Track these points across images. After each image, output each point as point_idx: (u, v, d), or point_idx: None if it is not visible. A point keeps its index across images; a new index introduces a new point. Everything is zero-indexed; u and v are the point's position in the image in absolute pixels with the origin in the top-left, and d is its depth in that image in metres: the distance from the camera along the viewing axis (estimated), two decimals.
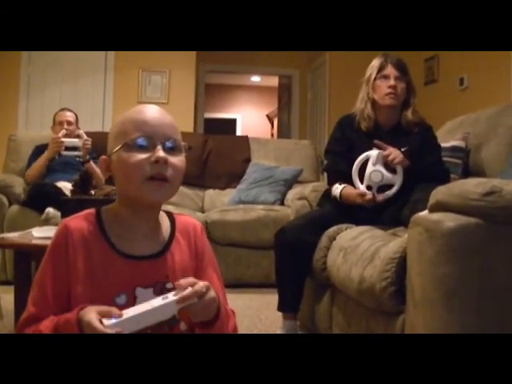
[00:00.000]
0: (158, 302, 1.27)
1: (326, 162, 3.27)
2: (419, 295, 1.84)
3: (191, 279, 1.32)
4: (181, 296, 1.26)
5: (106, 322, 1.20)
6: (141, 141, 1.36)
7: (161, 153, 1.35)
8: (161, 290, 1.40)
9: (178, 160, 1.39)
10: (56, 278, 1.37)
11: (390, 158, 2.80)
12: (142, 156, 1.35)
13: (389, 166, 2.83)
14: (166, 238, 1.48)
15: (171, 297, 1.27)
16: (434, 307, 1.77)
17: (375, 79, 3.04)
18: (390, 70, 2.99)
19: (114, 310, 1.24)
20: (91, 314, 1.22)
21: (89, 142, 4.74)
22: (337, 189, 3.04)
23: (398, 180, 2.83)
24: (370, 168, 2.85)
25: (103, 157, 1.44)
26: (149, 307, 1.26)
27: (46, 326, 1.30)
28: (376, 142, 2.84)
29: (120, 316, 1.22)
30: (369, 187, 2.84)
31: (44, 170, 4.90)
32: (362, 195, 2.85)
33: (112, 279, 1.37)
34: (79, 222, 1.42)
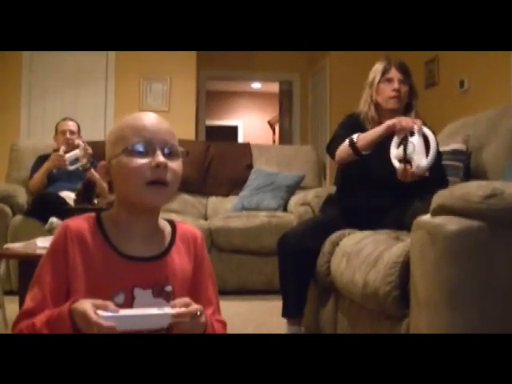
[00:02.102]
0: (154, 310, 1.29)
1: (331, 143, 3.22)
2: (423, 298, 1.85)
3: (187, 299, 1.34)
4: (177, 312, 1.28)
5: (102, 313, 1.22)
6: (141, 146, 1.40)
7: (161, 158, 1.39)
8: (159, 292, 1.42)
9: (176, 165, 1.43)
10: (54, 274, 1.39)
11: (408, 172, 2.75)
12: (143, 161, 1.39)
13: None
14: (166, 243, 1.50)
15: (167, 310, 1.29)
16: (438, 309, 1.77)
17: (379, 82, 3.05)
18: (394, 73, 3.01)
19: (111, 304, 1.26)
20: (86, 305, 1.23)
21: (88, 148, 4.77)
22: (352, 138, 3.00)
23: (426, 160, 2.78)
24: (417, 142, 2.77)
25: (102, 162, 1.48)
26: (144, 312, 1.28)
27: (39, 319, 1.32)
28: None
29: (116, 311, 1.24)
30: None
31: (45, 180, 4.93)
32: (410, 123, 2.80)
33: (111, 278, 1.39)
34: (79, 222, 1.45)
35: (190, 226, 1.61)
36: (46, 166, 4.90)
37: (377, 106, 3.09)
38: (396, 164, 2.79)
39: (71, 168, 4.85)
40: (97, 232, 1.44)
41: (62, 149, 4.87)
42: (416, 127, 2.79)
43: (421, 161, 2.74)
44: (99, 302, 1.26)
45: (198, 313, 1.32)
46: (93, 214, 1.49)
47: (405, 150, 2.77)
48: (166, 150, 1.41)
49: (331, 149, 3.17)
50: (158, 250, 1.48)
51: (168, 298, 1.40)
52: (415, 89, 3.09)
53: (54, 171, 4.92)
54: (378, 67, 3.07)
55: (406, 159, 2.77)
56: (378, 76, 3.05)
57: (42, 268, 1.41)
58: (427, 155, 2.75)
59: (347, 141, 3.02)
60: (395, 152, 2.83)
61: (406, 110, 3.07)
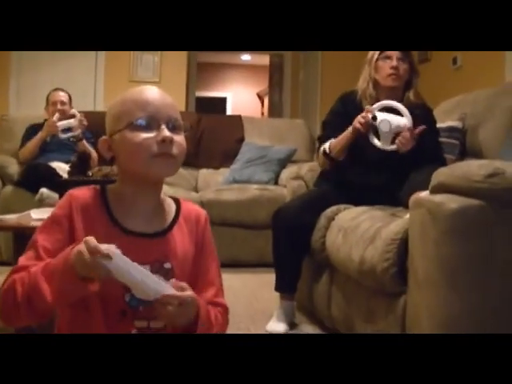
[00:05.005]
0: (151, 274, 1.27)
1: (321, 132, 3.27)
2: (422, 275, 1.86)
3: (183, 284, 1.32)
4: (169, 294, 1.26)
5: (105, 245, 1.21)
6: (145, 121, 1.38)
7: (166, 132, 1.37)
8: (158, 269, 1.40)
9: (180, 138, 1.42)
10: (53, 240, 1.36)
11: (400, 139, 2.79)
12: (148, 135, 1.37)
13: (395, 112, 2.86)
14: (168, 221, 1.49)
15: (164, 284, 1.28)
16: (437, 287, 1.79)
17: (377, 60, 3.02)
18: (393, 51, 2.97)
19: (114, 246, 1.23)
20: (91, 238, 1.22)
21: (84, 120, 4.74)
22: (326, 144, 3.08)
23: (386, 146, 2.87)
24: (392, 118, 2.83)
25: (104, 137, 1.45)
26: (143, 269, 1.26)
27: (34, 268, 1.27)
28: (421, 128, 2.80)
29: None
30: (374, 118, 2.85)
31: (37, 151, 4.89)
32: (368, 110, 2.86)
33: None
34: (84, 192, 1.44)
35: (194, 205, 1.59)
36: (40, 135, 4.87)
37: (375, 83, 3.06)
38: (393, 147, 2.82)
39: (63, 136, 4.82)
40: (100, 205, 1.42)
41: (56, 116, 4.84)
42: (369, 114, 2.85)
43: (400, 122, 2.82)
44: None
45: (189, 299, 1.30)
46: (97, 187, 1.47)
47: (381, 133, 2.85)
48: (170, 125, 1.40)
49: (318, 144, 3.25)
50: (160, 227, 1.46)
51: (167, 275, 1.37)
52: (415, 66, 3.07)
53: (48, 139, 4.89)
54: None
55: (393, 137, 2.83)
56: (377, 53, 3.02)
57: (41, 233, 1.38)
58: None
59: (321, 150, 3.10)
60: (381, 143, 2.87)
61: (406, 87, 3.05)
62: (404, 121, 2.80)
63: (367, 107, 2.88)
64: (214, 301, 1.50)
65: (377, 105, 2.89)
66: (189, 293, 1.32)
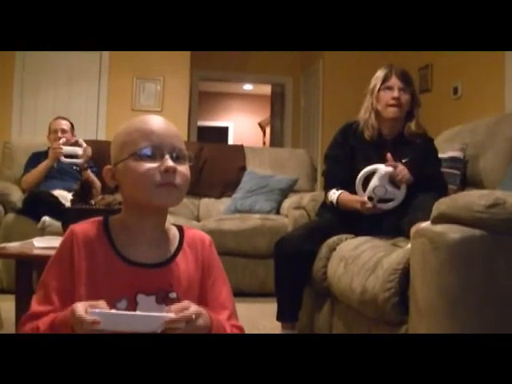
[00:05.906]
0: (145, 312, 1.27)
1: (324, 166, 3.27)
2: (423, 304, 1.86)
3: (184, 304, 1.31)
4: (169, 319, 1.25)
5: (91, 310, 1.22)
6: (149, 150, 1.38)
7: (170, 162, 1.37)
8: (163, 299, 1.40)
9: (184, 168, 1.42)
10: (60, 278, 1.39)
11: (398, 178, 2.81)
12: (151, 165, 1.37)
13: (394, 181, 2.84)
14: (173, 249, 1.49)
15: (161, 314, 1.27)
16: (438, 315, 1.79)
17: (379, 90, 3.03)
18: (395, 81, 2.99)
19: (103, 303, 1.25)
20: (78, 303, 1.24)
21: (89, 150, 4.77)
22: (334, 194, 3.05)
23: (400, 195, 2.83)
24: (375, 182, 2.82)
25: (108, 166, 1.46)
26: (133, 313, 1.27)
27: (43, 321, 1.32)
28: (388, 156, 2.82)
29: (106, 309, 1.24)
30: (370, 198, 2.83)
31: (41, 179, 4.87)
32: (363, 203, 2.85)
33: (114, 284, 1.38)
34: (86, 226, 1.45)
35: (198, 230, 1.59)
36: (46, 163, 4.85)
37: (377, 113, 3.07)
38: (402, 190, 2.85)
39: (65, 161, 4.82)
40: (103, 237, 1.43)
41: (63, 140, 4.86)
42: (367, 205, 2.85)
43: (381, 173, 2.83)
44: (93, 302, 1.26)
45: (194, 316, 1.29)
46: (100, 218, 1.48)
47: (386, 195, 2.86)
48: (173, 154, 1.40)
49: (325, 185, 3.24)
50: (164, 256, 1.46)
51: (172, 304, 1.36)
52: (417, 97, 3.09)
53: (55, 165, 4.88)
54: (379, 74, 3.06)
55: (394, 186, 2.86)
56: (379, 83, 3.03)
57: (48, 272, 1.41)
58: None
59: (328, 199, 3.10)
60: (395, 200, 2.87)
61: (407, 118, 3.06)
62: (382, 169, 2.83)
63: (358, 203, 2.89)
64: (229, 323, 1.49)
65: (359, 190, 2.90)
66: (193, 309, 1.30)
